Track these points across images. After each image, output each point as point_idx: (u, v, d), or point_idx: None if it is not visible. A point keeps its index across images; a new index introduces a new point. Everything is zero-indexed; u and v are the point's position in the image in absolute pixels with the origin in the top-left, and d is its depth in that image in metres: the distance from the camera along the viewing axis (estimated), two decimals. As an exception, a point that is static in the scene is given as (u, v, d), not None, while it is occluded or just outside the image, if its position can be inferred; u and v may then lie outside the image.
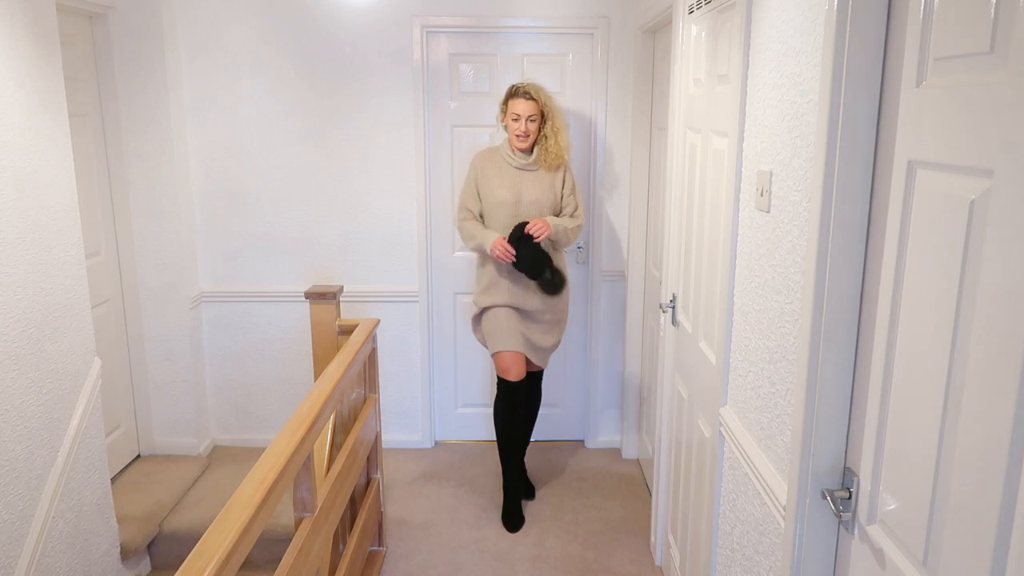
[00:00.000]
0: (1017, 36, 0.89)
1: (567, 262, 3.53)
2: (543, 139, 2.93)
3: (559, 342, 3.15)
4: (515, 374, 2.99)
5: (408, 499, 3.31)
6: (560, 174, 3.00)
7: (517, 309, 3.00)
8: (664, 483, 2.73)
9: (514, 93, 2.92)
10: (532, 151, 2.96)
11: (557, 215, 3.03)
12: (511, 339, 2.97)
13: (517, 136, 2.90)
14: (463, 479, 3.48)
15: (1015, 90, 0.89)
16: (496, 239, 2.87)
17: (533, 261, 2.89)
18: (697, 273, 2.27)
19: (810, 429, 1.36)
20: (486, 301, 3.02)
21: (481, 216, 3.04)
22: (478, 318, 3.10)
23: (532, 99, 2.89)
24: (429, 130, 3.47)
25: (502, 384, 3.04)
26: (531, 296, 2.99)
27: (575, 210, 3.04)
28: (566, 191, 3.02)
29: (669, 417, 2.65)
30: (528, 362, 3.07)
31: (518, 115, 2.88)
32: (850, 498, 1.33)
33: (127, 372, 3.34)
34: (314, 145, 3.46)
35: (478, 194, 3.02)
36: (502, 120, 2.98)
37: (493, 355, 3.04)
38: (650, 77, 3.33)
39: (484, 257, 3.04)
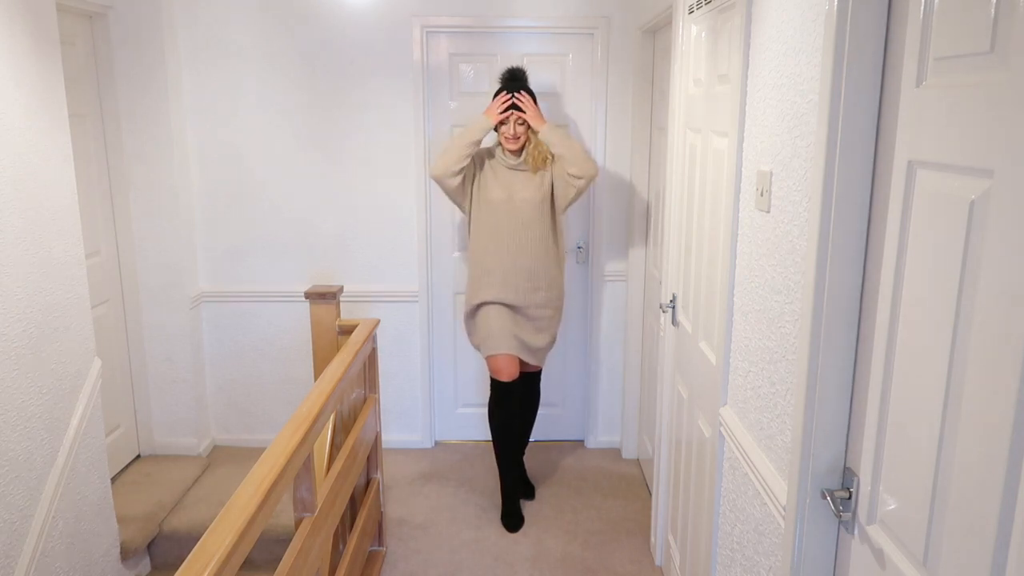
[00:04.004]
0: (1017, 36, 0.89)
1: (567, 262, 3.54)
2: (528, 142, 2.96)
3: (554, 339, 3.14)
4: (507, 375, 2.99)
5: (408, 499, 3.31)
6: (548, 172, 3.01)
7: (509, 306, 3.00)
8: (664, 483, 2.73)
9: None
10: (522, 152, 2.98)
11: (551, 210, 3.02)
12: (504, 342, 2.97)
13: (507, 139, 2.94)
14: (463, 479, 3.48)
15: (1015, 90, 0.89)
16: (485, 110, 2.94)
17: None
18: (697, 273, 2.27)
19: (810, 429, 1.36)
20: (478, 297, 3.02)
21: (471, 214, 3.05)
22: (471, 317, 3.09)
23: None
24: (429, 130, 3.47)
25: (495, 385, 3.05)
26: (524, 291, 2.99)
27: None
28: (556, 178, 3.00)
29: (669, 417, 2.65)
30: (525, 362, 3.07)
31: (507, 120, 2.91)
32: (850, 498, 1.33)
33: (127, 372, 3.34)
34: (314, 145, 3.46)
35: (472, 186, 3.02)
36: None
37: (486, 358, 3.05)
38: (650, 77, 3.33)
39: (475, 253, 3.04)
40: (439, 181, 2.99)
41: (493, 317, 2.99)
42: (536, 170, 2.99)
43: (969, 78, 0.99)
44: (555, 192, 3.00)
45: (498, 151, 3.02)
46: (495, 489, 3.34)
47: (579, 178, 2.89)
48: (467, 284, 3.12)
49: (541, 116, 2.93)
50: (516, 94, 2.90)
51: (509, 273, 2.97)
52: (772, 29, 1.61)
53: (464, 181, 2.98)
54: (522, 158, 2.98)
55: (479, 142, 2.93)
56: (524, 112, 2.90)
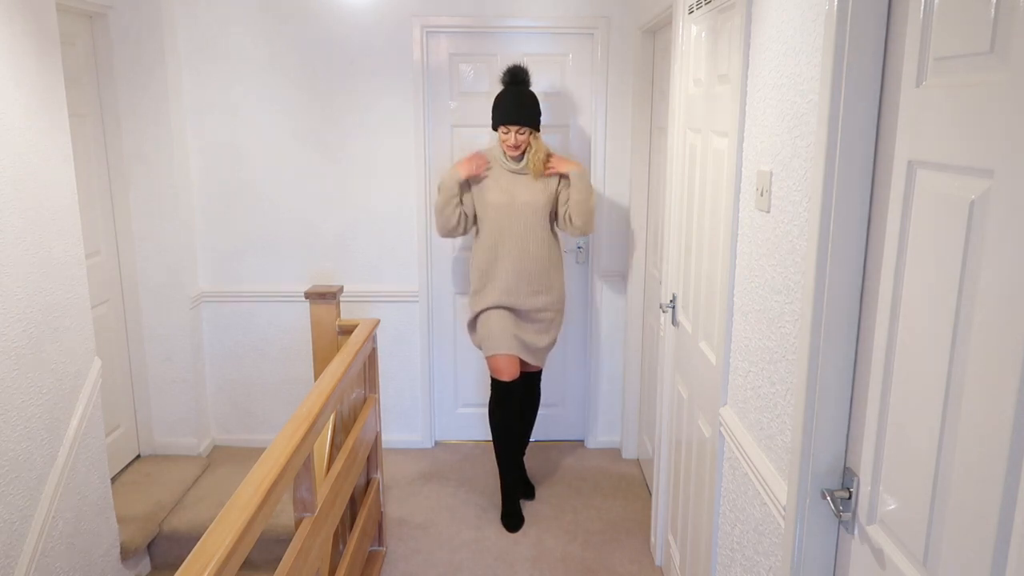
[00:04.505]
0: (1017, 36, 0.89)
1: (567, 262, 3.55)
2: (528, 148, 2.97)
3: (555, 340, 3.15)
4: (508, 375, 3.00)
5: (408, 499, 3.31)
6: (554, 179, 3.02)
7: (511, 309, 3.00)
8: (664, 483, 2.73)
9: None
10: (523, 157, 2.98)
11: (554, 215, 3.04)
12: (504, 342, 2.97)
13: (508, 147, 2.95)
14: (463, 479, 3.48)
15: (1015, 90, 0.89)
16: (457, 162, 3.00)
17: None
18: (697, 273, 2.27)
19: (810, 429, 1.36)
20: (480, 304, 3.03)
21: (475, 219, 3.06)
22: (473, 323, 3.10)
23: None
24: (429, 130, 3.47)
25: (496, 385, 3.05)
26: (526, 295, 2.99)
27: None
28: (560, 199, 3.04)
29: (669, 417, 2.65)
30: (525, 363, 3.07)
31: (508, 129, 2.91)
32: (850, 498, 1.33)
33: (127, 372, 3.34)
34: (314, 145, 3.46)
35: (470, 190, 3.03)
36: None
37: (487, 357, 3.05)
38: (650, 77, 3.33)
39: (477, 258, 3.05)
40: (450, 236, 3.09)
41: (494, 318, 3.00)
42: (538, 174, 2.98)
43: (969, 78, 0.99)
44: (556, 208, 3.05)
45: (498, 153, 3.02)
46: (495, 489, 3.34)
47: (575, 228, 2.99)
48: (471, 288, 3.12)
49: (570, 162, 2.99)
50: (549, 163, 2.97)
51: (511, 278, 2.97)
52: (772, 29, 1.61)
53: (463, 217, 3.04)
54: (523, 163, 2.98)
55: (458, 192, 2.99)
56: (553, 167, 2.98)
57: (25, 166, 2.10)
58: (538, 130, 2.97)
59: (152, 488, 3.07)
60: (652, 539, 2.90)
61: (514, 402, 3.09)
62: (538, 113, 2.96)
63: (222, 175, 3.47)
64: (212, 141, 3.43)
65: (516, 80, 2.97)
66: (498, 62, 3.41)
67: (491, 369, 3.05)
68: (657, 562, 2.84)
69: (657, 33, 3.23)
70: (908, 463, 1.15)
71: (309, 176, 3.49)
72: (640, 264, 3.50)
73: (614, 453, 3.75)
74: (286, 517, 2.73)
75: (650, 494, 3.25)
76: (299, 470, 1.77)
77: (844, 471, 1.36)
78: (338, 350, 2.57)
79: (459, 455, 3.71)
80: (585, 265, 3.63)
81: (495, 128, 2.98)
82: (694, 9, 2.27)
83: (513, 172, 2.99)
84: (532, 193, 2.97)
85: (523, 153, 2.97)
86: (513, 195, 2.97)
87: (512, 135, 2.91)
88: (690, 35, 2.35)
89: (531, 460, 3.53)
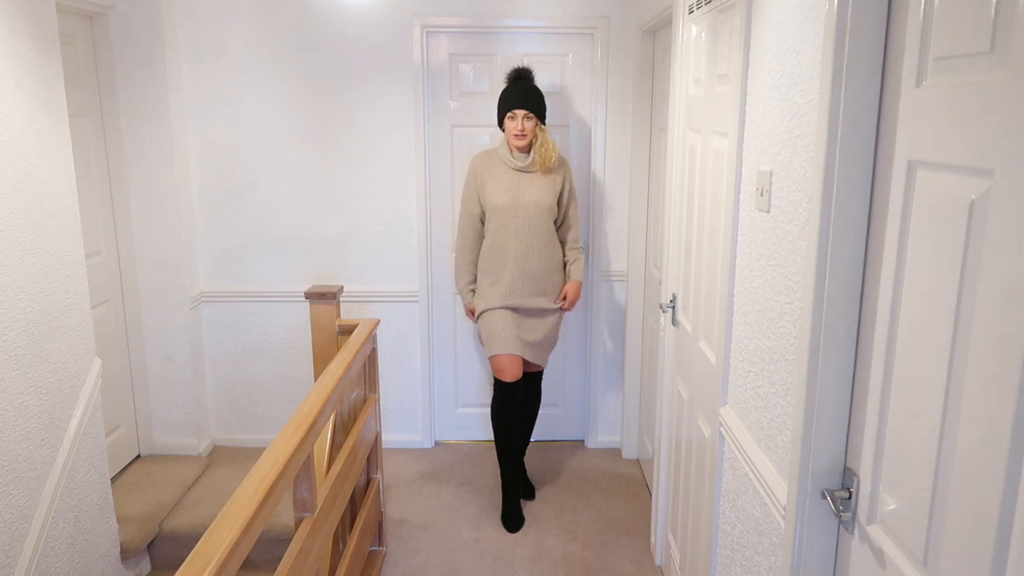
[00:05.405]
0: (1017, 36, 0.89)
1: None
2: (535, 140, 2.95)
3: (557, 339, 3.16)
4: (510, 375, 3.00)
5: (408, 499, 3.31)
6: (560, 177, 3.01)
7: (516, 310, 3.00)
8: (664, 483, 2.73)
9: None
10: (530, 151, 2.97)
11: (554, 219, 3.04)
12: (507, 343, 2.97)
13: (514, 136, 2.91)
14: (463, 479, 3.48)
15: (1015, 90, 0.89)
16: (467, 307, 3.17)
17: None
18: (697, 273, 2.27)
19: (810, 429, 1.36)
20: (484, 304, 3.03)
21: (483, 219, 3.06)
22: (476, 320, 3.11)
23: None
24: (429, 130, 3.47)
25: (498, 385, 3.05)
26: (529, 296, 2.99)
27: (570, 230, 3.11)
28: (565, 197, 3.04)
29: (669, 417, 2.65)
30: (527, 362, 3.07)
31: (514, 114, 2.89)
32: (850, 498, 1.33)
33: (127, 372, 3.34)
34: (314, 145, 3.46)
35: (478, 197, 3.03)
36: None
37: (490, 357, 3.05)
38: (650, 77, 3.33)
39: (482, 258, 3.06)
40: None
41: (497, 318, 3.00)
42: (545, 171, 2.97)
43: (969, 78, 0.99)
44: (559, 206, 3.05)
45: (503, 152, 3.00)
46: (495, 489, 3.34)
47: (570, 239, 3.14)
48: (476, 286, 3.12)
49: (576, 292, 3.11)
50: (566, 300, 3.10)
51: (516, 279, 2.97)
52: (772, 29, 1.61)
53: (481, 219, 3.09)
54: (530, 158, 2.97)
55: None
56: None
57: (25, 166, 2.10)
58: (544, 122, 2.96)
59: (152, 488, 3.07)
60: (652, 539, 2.90)
61: (516, 402, 3.09)
62: (544, 106, 2.95)
63: (222, 175, 3.47)
64: (212, 141, 3.43)
65: (520, 77, 2.97)
66: (498, 62, 3.41)
67: (494, 369, 3.05)
68: (657, 562, 2.84)
69: (657, 33, 3.24)
70: (908, 463, 1.15)
71: (309, 176, 3.49)
72: (640, 264, 3.50)
73: (614, 453, 3.75)
74: (286, 517, 2.73)
75: (650, 494, 3.25)
76: (299, 470, 1.77)
77: (844, 471, 1.37)
78: (338, 350, 2.57)
79: (459, 455, 3.71)
80: (586, 265, 3.63)
81: (501, 119, 2.96)
82: (694, 9, 2.27)
83: (519, 170, 2.97)
84: (538, 192, 2.96)
85: (530, 146, 2.96)
86: (519, 194, 2.96)
87: (519, 120, 2.89)
88: (690, 35, 2.35)
89: (531, 460, 3.53)
